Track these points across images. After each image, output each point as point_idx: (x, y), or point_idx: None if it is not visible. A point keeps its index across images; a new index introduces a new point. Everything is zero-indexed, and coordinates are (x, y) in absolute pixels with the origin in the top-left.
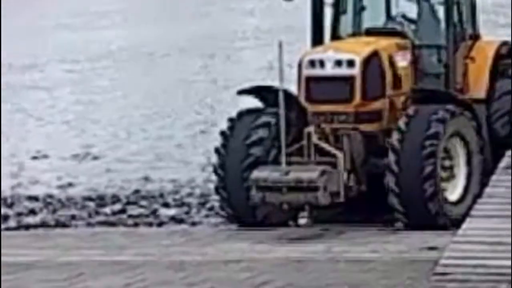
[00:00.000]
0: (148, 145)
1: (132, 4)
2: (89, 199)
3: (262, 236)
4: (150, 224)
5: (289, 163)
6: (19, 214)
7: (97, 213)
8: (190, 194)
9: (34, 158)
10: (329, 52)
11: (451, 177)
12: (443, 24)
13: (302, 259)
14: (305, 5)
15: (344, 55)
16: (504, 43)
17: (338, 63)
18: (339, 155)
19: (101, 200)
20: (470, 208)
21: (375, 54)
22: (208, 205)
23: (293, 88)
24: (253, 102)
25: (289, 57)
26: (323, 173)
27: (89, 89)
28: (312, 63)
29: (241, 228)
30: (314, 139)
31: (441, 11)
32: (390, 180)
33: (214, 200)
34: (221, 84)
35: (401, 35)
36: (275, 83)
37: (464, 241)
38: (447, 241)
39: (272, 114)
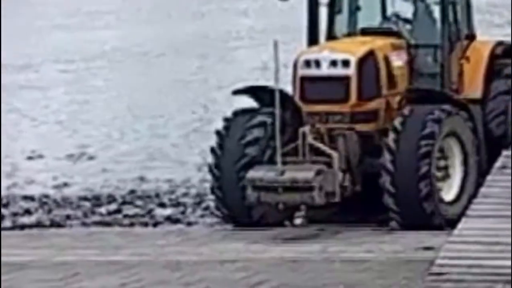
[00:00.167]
0: (143, 145)
1: (126, 5)
2: (85, 199)
3: (257, 236)
4: (145, 224)
5: (284, 163)
6: (15, 214)
7: (93, 213)
8: (185, 194)
9: (30, 158)
10: (325, 52)
11: (447, 177)
12: (438, 24)
13: (298, 259)
14: (300, 5)
15: (339, 55)
16: (499, 43)
17: (334, 63)
18: (335, 155)
19: (96, 200)
20: (465, 208)
21: (370, 54)
22: (203, 205)
23: (288, 88)
24: (247, 102)
25: (284, 57)
26: (318, 173)
27: (84, 89)
28: (307, 63)
29: (237, 228)
30: (309, 139)
31: (436, 11)
32: (385, 180)
33: (210, 200)
34: (215, 84)
35: (397, 35)
36: (270, 83)
37: (459, 241)
38: (443, 241)
39: (268, 114)
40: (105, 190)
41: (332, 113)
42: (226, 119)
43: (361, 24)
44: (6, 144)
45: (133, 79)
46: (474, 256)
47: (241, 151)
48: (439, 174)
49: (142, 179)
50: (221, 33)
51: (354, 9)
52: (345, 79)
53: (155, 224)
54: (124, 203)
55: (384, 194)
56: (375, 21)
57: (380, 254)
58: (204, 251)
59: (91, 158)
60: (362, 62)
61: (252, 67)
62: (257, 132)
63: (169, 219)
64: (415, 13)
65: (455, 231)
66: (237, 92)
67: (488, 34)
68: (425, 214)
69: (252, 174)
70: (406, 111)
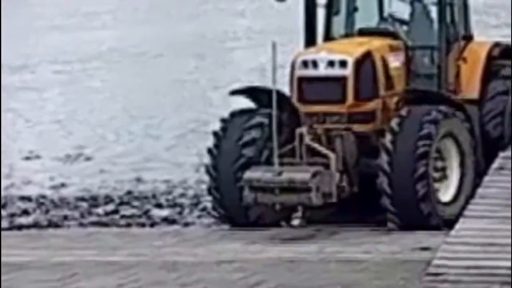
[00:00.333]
0: (139, 145)
1: (123, 5)
2: (82, 199)
3: (254, 236)
4: (142, 225)
5: (281, 164)
6: (12, 215)
7: (90, 213)
8: (182, 195)
9: (27, 158)
10: (322, 53)
11: (444, 177)
12: (435, 25)
13: (295, 259)
14: (297, 6)
15: (337, 55)
16: (496, 44)
17: (331, 63)
18: (332, 155)
19: (94, 201)
20: (462, 208)
21: (367, 55)
22: (200, 206)
23: (285, 89)
24: (244, 103)
25: (281, 58)
26: (315, 174)
27: (80, 89)
28: (305, 64)
29: (234, 229)
30: (307, 139)
31: (433, 12)
32: (382, 181)
33: (207, 201)
34: (212, 84)
35: (394, 35)
36: (267, 84)
37: (456, 242)
38: (440, 241)
39: (265, 115)
40: (102, 191)
41: (329, 113)
42: (224, 120)
43: (359, 25)
44: (3, 144)
45: (130, 80)
46: (471, 257)
47: (238, 152)
48: (436, 175)
49: (139, 180)
50: (218, 34)
51: (352, 10)
52: (342, 80)
53: (152, 225)
54: (121, 203)
55: (381, 194)
56: (373, 22)
57: (377, 255)
58: (201, 252)
59: (88, 159)
60: (359, 63)
61: (249, 68)
62: (254, 133)
63: (166, 220)
64: (412, 14)
65: (452, 232)
66: (234, 92)
67: (485, 35)
68: (422, 215)
69: (249, 174)
70: (403, 112)
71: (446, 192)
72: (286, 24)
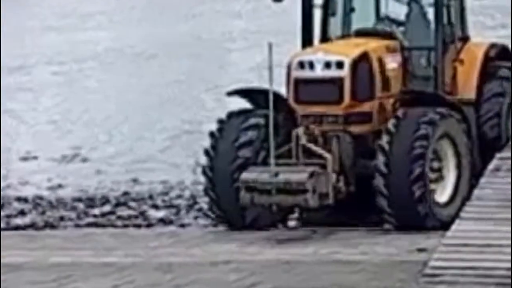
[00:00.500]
0: (135, 146)
1: (118, 6)
2: (79, 200)
3: (251, 237)
4: (139, 226)
5: (278, 165)
6: (9, 216)
7: (86, 214)
8: (179, 196)
9: (24, 159)
10: (319, 54)
11: (440, 179)
12: (432, 26)
13: (291, 260)
14: (293, 7)
15: (333, 56)
16: (493, 45)
17: (328, 64)
18: (328, 156)
19: (90, 202)
20: (459, 210)
21: (364, 56)
22: (197, 207)
23: (282, 90)
24: (240, 103)
25: (277, 59)
26: (312, 175)
27: (76, 90)
28: (301, 65)
29: (230, 230)
30: (303, 140)
31: (430, 13)
32: (379, 182)
33: (203, 202)
34: (208, 85)
35: (391, 36)
36: (263, 85)
37: (453, 243)
38: (436, 243)
39: (261, 116)
40: (99, 192)
41: (326, 114)
42: (220, 121)
43: (355, 25)
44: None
45: (126, 80)
46: (467, 258)
47: (235, 153)
48: (433, 176)
49: (135, 180)
50: (214, 35)
51: (348, 11)
52: (339, 81)
53: (149, 226)
54: (117, 204)
55: (377, 196)
56: (369, 23)
57: (374, 256)
58: (197, 253)
59: (85, 159)
60: (356, 64)
61: (245, 68)
62: (251, 134)
63: (163, 221)
64: (409, 15)
65: (449, 233)
66: (231, 93)
67: (481, 36)
68: (418, 216)
69: (245, 175)
70: (399, 113)
71: (443, 193)
72: (282, 25)
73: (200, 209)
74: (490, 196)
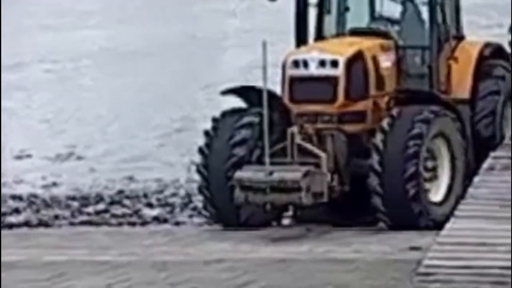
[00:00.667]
0: (130, 144)
1: (114, 5)
2: (73, 198)
3: (245, 236)
4: (133, 224)
5: (272, 164)
6: (3, 214)
7: (81, 212)
8: (174, 194)
9: (18, 157)
10: (313, 53)
11: (435, 177)
12: (427, 25)
13: (286, 259)
14: (287, 6)
15: (328, 55)
16: (488, 44)
17: (322, 63)
18: (323, 155)
19: (84, 200)
20: (453, 208)
21: (359, 55)
22: (191, 205)
23: (276, 89)
24: (234, 102)
25: (272, 58)
26: (306, 173)
27: (71, 88)
28: (296, 64)
29: (225, 228)
30: (298, 139)
31: (425, 12)
32: (373, 181)
33: (198, 200)
34: (202, 84)
35: (385, 35)
36: (258, 83)
37: (447, 242)
38: (430, 241)
39: (256, 114)
40: (94, 190)
41: (320, 113)
42: (215, 119)
43: (350, 24)
44: None
45: (120, 79)
46: (462, 257)
47: (229, 151)
48: (427, 174)
49: (130, 178)
50: (208, 33)
51: (343, 10)
52: (334, 80)
53: (143, 224)
54: (112, 203)
55: (372, 194)
56: (364, 21)
57: (368, 255)
58: (192, 251)
59: (79, 157)
60: (350, 62)
61: (239, 67)
62: (245, 133)
63: (157, 219)
64: (403, 14)
65: (443, 232)
66: (225, 92)
67: (475, 35)
68: (413, 215)
69: (240, 174)
70: (394, 112)
71: (437, 192)
72: (276, 24)
73: (194, 208)
74: (485, 195)
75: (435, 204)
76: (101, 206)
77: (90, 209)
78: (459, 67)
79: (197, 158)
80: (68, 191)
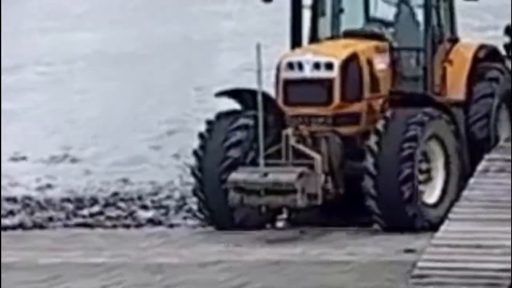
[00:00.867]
0: (124, 147)
1: (109, 7)
2: (67, 201)
3: (240, 238)
4: (128, 226)
5: (267, 165)
6: None
7: (75, 215)
8: (168, 196)
9: (13, 159)
10: (308, 55)
11: (429, 180)
12: (421, 27)
13: (280, 261)
14: (282, 8)
15: (322, 57)
16: (482, 46)
17: (317, 65)
18: (317, 157)
19: (79, 202)
20: (447, 211)
21: (353, 57)
22: (186, 207)
23: (270, 91)
24: (229, 103)
25: (266, 60)
26: (301, 175)
27: (65, 91)
28: (290, 66)
29: (219, 230)
30: (292, 141)
31: (419, 14)
32: (367, 183)
33: (192, 202)
34: (197, 86)
35: (380, 37)
36: (252, 86)
37: (442, 244)
38: (425, 243)
39: (250, 116)
40: (88, 192)
41: (314, 115)
42: (209, 122)
43: (344, 26)
44: None
45: (115, 81)
46: (456, 259)
47: (223, 154)
48: (422, 177)
49: (125, 181)
50: (203, 35)
51: (337, 12)
52: (328, 82)
53: (138, 226)
54: (106, 205)
55: (366, 197)
56: (359, 23)
57: (363, 257)
58: (186, 253)
59: (74, 160)
60: (345, 65)
61: (234, 69)
62: (239, 135)
63: (152, 221)
64: (398, 16)
65: (437, 234)
66: (220, 94)
67: (469, 37)
68: (407, 217)
69: (234, 176)
70: (388, 114)
71: (431, 194)
72: (270, 26)
73: (189, 210)
74: (479, 197)
75: (429, 206)
76: (95, 208)
77: (85, 211)
78: (453, 69)
79: (191, 160)
80: (62, 193)
